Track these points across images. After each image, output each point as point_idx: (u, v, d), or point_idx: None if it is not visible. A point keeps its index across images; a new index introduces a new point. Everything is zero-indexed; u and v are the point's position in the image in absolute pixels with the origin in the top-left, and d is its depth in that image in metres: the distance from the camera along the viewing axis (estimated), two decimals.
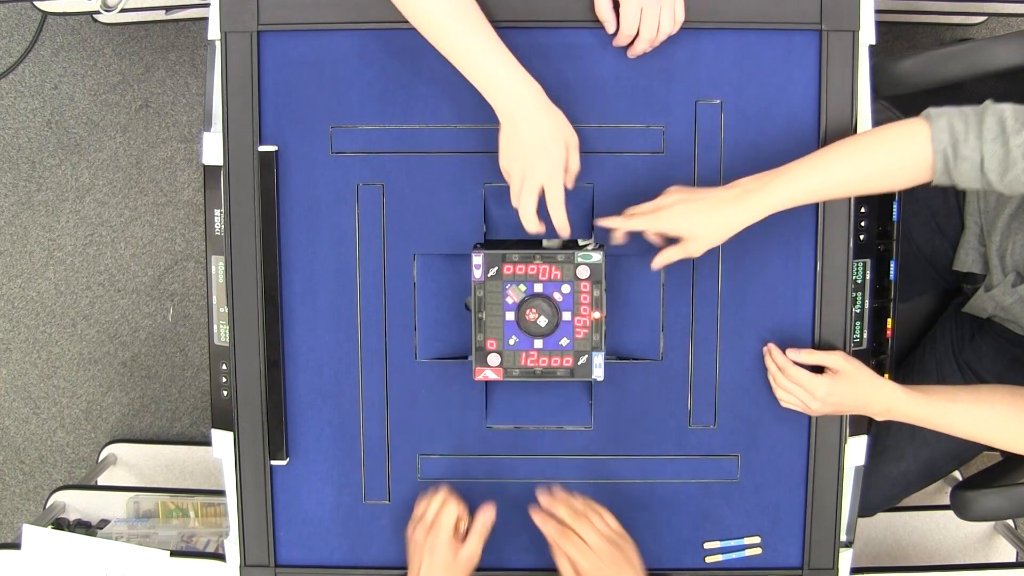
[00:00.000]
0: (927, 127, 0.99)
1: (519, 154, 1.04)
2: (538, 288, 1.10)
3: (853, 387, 1.11)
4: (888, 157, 1.01)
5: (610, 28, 1.09)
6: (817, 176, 1.02)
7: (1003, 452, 1.37)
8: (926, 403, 1.11)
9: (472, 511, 1.18)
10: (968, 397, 1.12)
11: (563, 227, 1.06)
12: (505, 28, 1.10)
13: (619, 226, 1.08)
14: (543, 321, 1.10)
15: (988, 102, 0.98)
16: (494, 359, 1.11)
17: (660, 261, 1.07)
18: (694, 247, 1.05)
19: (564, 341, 1.11)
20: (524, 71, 1.04)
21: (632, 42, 1.09)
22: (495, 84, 1.03)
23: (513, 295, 1.10)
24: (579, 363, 1.11)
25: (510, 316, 1.11)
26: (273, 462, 1.18)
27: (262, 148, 1.13)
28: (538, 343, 1.11)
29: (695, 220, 1.04)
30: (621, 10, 1.07)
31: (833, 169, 1.02)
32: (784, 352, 1.13)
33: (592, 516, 1.10)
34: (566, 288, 1.10)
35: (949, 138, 0.97)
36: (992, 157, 0.95)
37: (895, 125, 1.02)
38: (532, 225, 1.06)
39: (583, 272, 1.10)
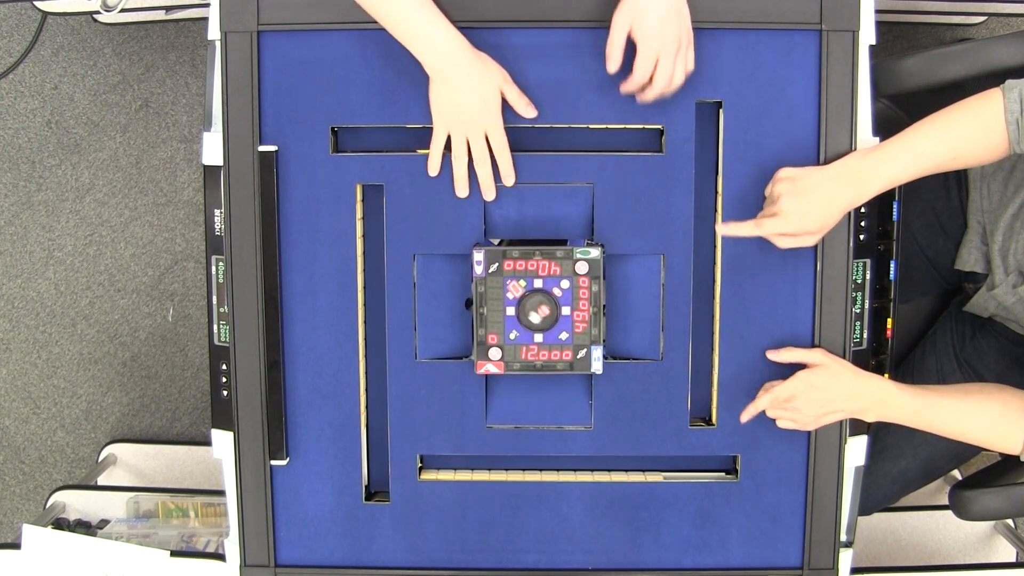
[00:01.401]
0: (1002, 97, 1.01)
1: (455, 110, 1.05)
2: (538, 283, 1.12)
3: (835, 379, 1.10)
4: (972, 129, 1.03)
5: (611, 67, 1.07)
6: (915, 157, 1.04)
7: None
8: (914, 395, 1.11)
9: (470, 511, 1.18)
10: (958, 395, 1.12)
11: (510, 174, 1.09)
12: (505, 28, 1.10)
13: (742, 233, 1.09)
14: (544, 312, 1.12)
15: None
16: (495, 353, 1.13)
17: (776, 243, 1.09)
18: (811, 240, 1.08)
19: (564, 335, 1.13)
20: (451, 26, 1.04)
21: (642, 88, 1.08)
22: (423, 41, 1.04)
23: (514, 290, 1.11)
24: (578, 357, 1.13)
25: (511, 311, 1.12)
26: (273, 462, 1.18)
27: (262, 148, 1.13)
28: (538, 337, 1.13)
29: (812, 219, 1.05)
30: (638, 56, 1.05)
31: (925, 145, 1.04)
32: (767, 354, 1.14)
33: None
34: (565, 283, 1.12)
35: (1020, 107, 0.99)
36: None
37: (978, 97, 1.04)
38: (464, 188, 1.09)
39: (582, 268, 1.12)
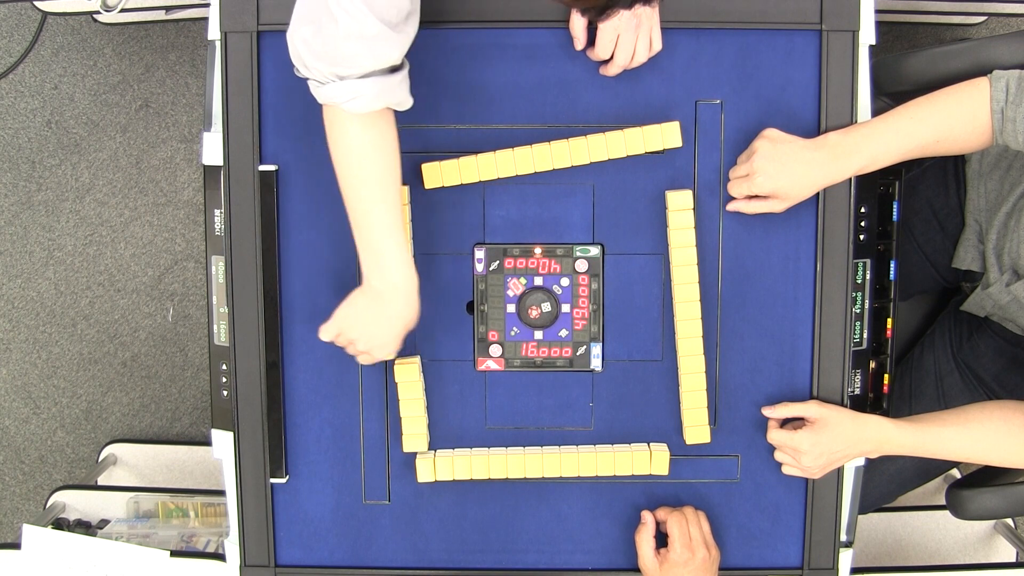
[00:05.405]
0: (989, 86, 1.02)
1: (363, 327, 1.05)
2: (538, 281, 1.14)
3: (835, 432, 1.10)
4: (958, 114, 1.03)
5: (578, 45, 1.10)
6: (899, 137, 1.04)
7: None
8: (916, 431, 1.11)
9: (469, 511, 1.18)
10: (957, 419, 1.11)
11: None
12: (505, 28, 1.10)
13: (733, 193, 1.11)
14: (545, 308, 1.13)
15: None
16: (495, 350, 1.14)
17: (742, 208, 1.11)
18: (780, 205, 1.09)
19: (563, 332, 1.14)
20: (410, 260, 1.03)
21: (606, 61, 1.09)
22: (381, 261, 1.01)
23: (514, 287, 1.13)
24: (578, 354, 1.14)
25: (511, 308, 1.14)
26: (273, 463, 1.18)
27: (262, 148, 1.13)
28: (538, 334, 1.14)
29: (784, 183, 1.07)
30: (598, 34, 1.07)
31: (910, 126, 1.04)
32: (764, 412, 1.15)
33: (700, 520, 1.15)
34: (565, 281, 1.13)
35: (1005, 97, 1.00)
36: (1022, 119, 0.99)
37: (966, 83, 1.04)
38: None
39: (581, 265, 1.13)
